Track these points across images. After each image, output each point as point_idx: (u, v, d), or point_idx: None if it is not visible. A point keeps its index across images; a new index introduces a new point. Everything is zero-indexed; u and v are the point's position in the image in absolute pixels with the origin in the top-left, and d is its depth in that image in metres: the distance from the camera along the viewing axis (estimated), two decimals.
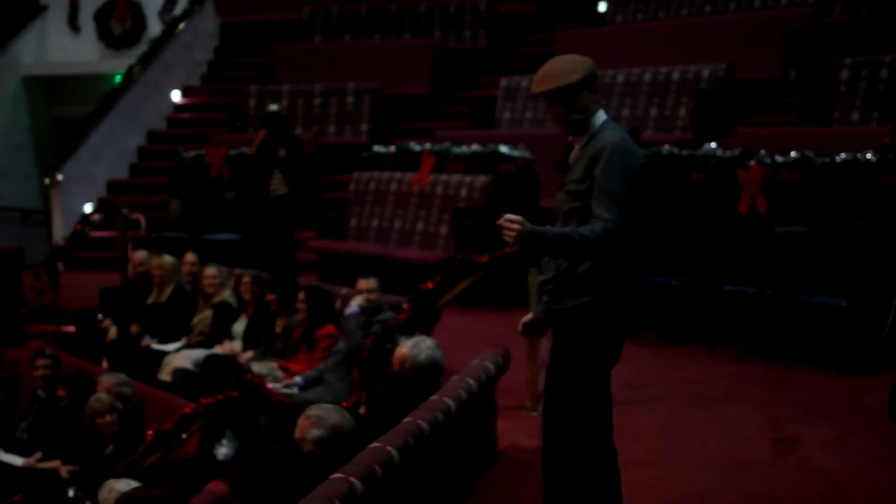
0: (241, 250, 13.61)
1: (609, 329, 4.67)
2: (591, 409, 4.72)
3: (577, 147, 4.78)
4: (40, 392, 9.38)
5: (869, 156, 9.64)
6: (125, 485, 6.39)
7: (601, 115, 4.76)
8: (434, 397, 5.88)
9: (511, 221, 4.39)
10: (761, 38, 13.95)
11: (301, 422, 5.24)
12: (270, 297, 9.33)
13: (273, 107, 13.99)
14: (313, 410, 5.29)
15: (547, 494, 4.93)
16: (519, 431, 7.61)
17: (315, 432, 5.14)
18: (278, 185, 12.21)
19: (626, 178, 4.56)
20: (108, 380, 8.45)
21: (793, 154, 10.06)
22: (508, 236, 4.40)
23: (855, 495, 6.34)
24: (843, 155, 9.77)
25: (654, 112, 13.84)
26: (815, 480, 6.57)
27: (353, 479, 4.40)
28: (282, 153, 12.21)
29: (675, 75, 13.88)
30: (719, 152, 10.61)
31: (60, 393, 8.78)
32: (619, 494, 4.86)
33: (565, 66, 4.71)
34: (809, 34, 13.82)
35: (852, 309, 8.73)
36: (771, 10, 14.73)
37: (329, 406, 5.49)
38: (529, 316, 5.15)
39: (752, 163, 10.14)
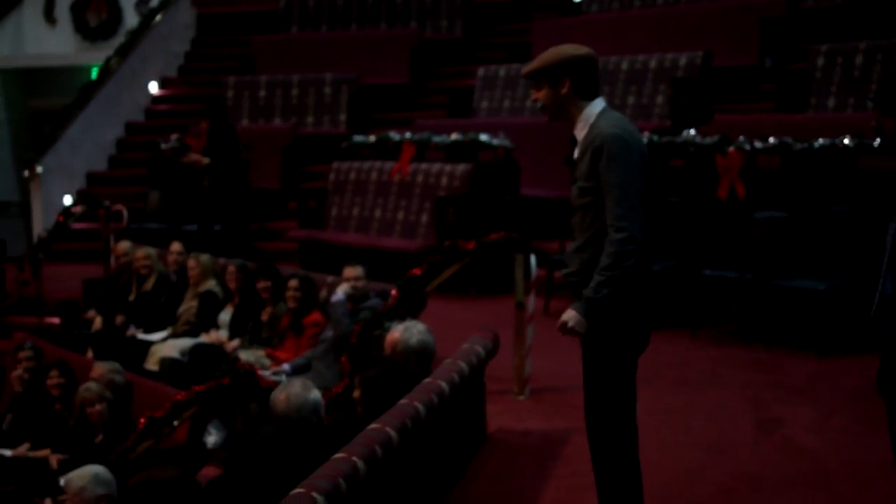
0: (219, 239, 13.65)
1: (633, 317, 4.75)
2: (615, 394, 4.81)
3: (579, 140, 4.86)
4: (19, 384, 9.40)
5: (846, 141, 9.76)
6: (81, 471, 6.50)
7: (595, 106, 4.83)
8: (428, 380, 5.98)
9: (564, 326, 4.73)
10: (737, 26, 14.07)
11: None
12: (264, 284, 9.37)
13: None
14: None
15: (596, 476, 5.02)
16: (507, 415, 7.73)
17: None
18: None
19: (628, 166, 4.66)
20: (102, 367, 8.51)
21: (771, 140, 10.16)
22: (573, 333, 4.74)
23: (838, 473, 6.47)
24: (820, 140, 9.89)
25: (631, 100, 13.94)
26: (799, 459, 6.71)
27: (355, 458, 4.50)
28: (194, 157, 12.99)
29: (652, 63, 13.97)
30: (698, 139, 10.71)
31: (51, 382, 8.82)
32: (638, 476, 4.94)
33: (540, 56, 4.90)
34: (784, 21, 13.95)
35: (830, 292, 8.86)
36: None
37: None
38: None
39: (731, 149, 10.25)
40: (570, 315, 4.72)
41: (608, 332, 4.75)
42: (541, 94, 4.89)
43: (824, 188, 9.90)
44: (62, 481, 6.55)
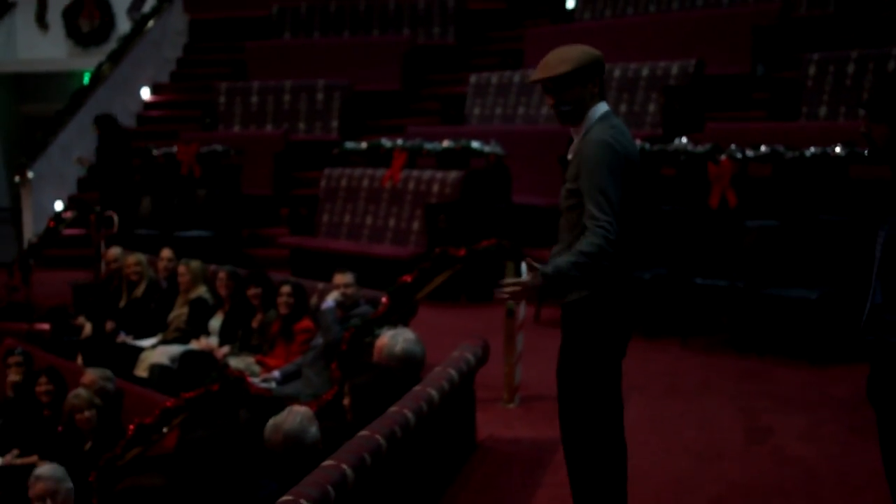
0: (212, 247, 13.62)
1: (613, 321, 4.70)
2: (599, 401, 4.77)
3: (575, 140, 4.80)
4: (10, 390, 9.38)
5: (838, 150, 9.74)
6: (48, 468, 6.51)
7: (599, 109, 4.73)
8: (417, 388, 5.96)
9: (510, 285, 4.57)
10: (729, 34, 14.06)
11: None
12: (255, 291, 9.36)
13: None
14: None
15: (572, 483, 4.97)
16: (497, 423, 7.71)
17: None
18: None
19: (612, 172, 4.57)
20: (93, 374, 8.49)
21: (763, 148, 10.16)
22: (514, 298, 4.63)
23: (828, 482, 6.46)
24: (812, 149, 9.88)
25: (623, 108, 13.93)
26: (790, 468, 6.69)
27: (344, 465, 4.48)
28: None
29: (644, 71, 13.97)
30: (690, 147, 10.71)
31: (40, 388, 8.80)
32: (623, 485, 4.91)
33: (559, 57, 4.72)
34: (777, 30, 13.94)
35: (822, 301, 8.86)
36: (739, 7, 14.84)
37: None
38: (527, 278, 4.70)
39: (723, 157, 10.24)
40: (531, 280, 4.52)
41: (585, 341, 4.70)
42: (568, 96, 4.70)
43: (815, 196, 9.89)
44: (32, 477, 6.55)
